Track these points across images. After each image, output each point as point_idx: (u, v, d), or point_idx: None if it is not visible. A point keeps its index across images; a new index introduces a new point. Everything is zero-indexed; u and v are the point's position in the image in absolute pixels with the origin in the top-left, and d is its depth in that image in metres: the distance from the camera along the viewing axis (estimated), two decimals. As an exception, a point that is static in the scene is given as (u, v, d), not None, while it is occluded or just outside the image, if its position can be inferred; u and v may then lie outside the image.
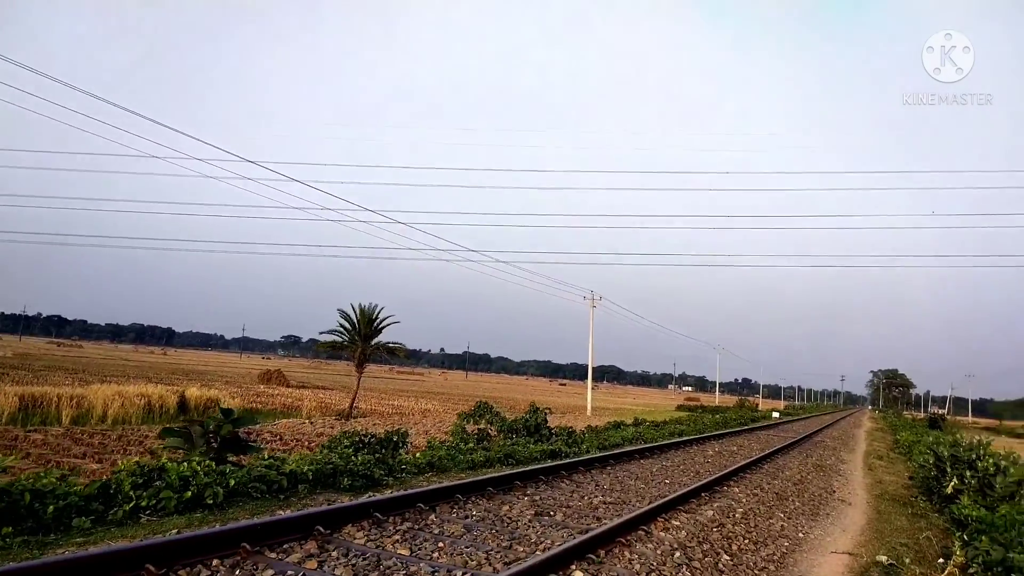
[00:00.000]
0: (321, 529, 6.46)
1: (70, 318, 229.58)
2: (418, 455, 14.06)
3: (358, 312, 37.42)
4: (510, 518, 8.12)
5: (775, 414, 60.09)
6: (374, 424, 33.95)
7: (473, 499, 8.98)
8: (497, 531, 7.38)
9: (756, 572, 7.44)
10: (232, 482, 8.73)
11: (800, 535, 10.05)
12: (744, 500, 11.31)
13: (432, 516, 7.80)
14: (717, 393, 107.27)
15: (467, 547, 6.61)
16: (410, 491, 8.62)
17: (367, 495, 9.49)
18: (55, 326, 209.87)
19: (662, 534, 7.97)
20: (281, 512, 7.74)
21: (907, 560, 9.05)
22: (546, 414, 24.80)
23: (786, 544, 9.25)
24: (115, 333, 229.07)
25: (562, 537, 7.40)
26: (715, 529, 8.81)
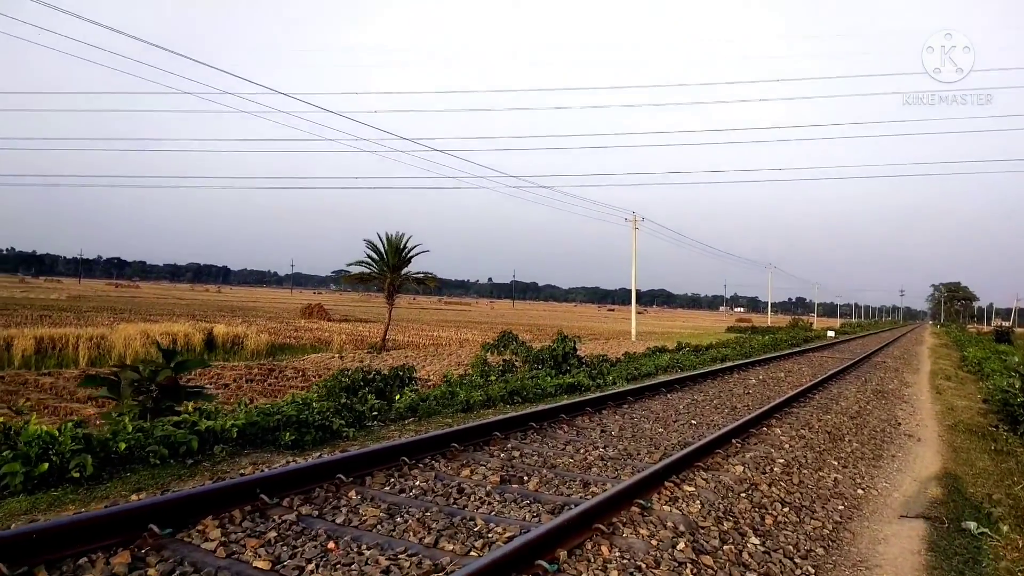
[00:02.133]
0: (155, 529, 4.44)
1: (129, 260, 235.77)
2: (402, 397, 12.10)
3: (385, 242, 35.58)
4: (463, 489, 6.02)
5: (830, 333, 56.92)
6: (406, 356, 32.44)
7: (426, 460, 6.90)
8: (432, 515, 5.28)
9: (797, 564, 5.22)
10: (122, 446, 6.83)
11: (859, 491, 7.75)
12: (787, 445, 9.01)
13: (352, 492, 5.73)
14: (769, 313, 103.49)
15: (368, 549, 4.52)
16: (337, 456, 6.56)
17: (302, 456, 7.52)
18: (116, 268, 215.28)
19: (666, 509, 5.77)
20: (132, 497, 5.75)
21: (1004, 527, 6.72)
22: (575, 342, 22.72)
23: (841, 508, 6.97)
24: (173, 273, 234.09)
25: (521, 520, 5.30)
26: (743, 495, 6.57)
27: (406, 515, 5.25)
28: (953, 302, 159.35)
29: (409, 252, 35.89)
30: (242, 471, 6.51)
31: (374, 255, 35.55)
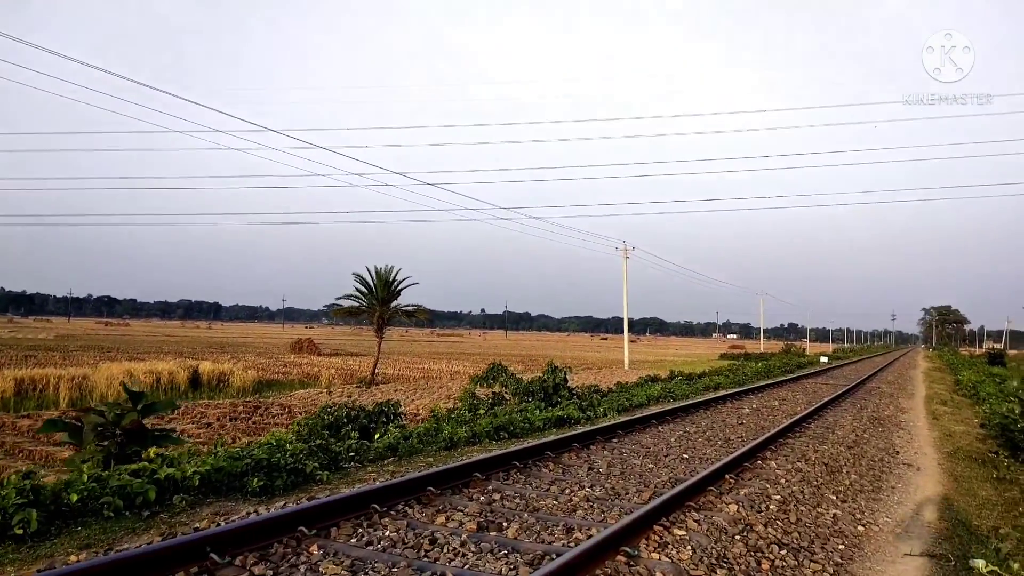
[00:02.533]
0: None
1: (120, 298, 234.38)
2: (385, 435, 11.64)
3: (374, 275, 35.23)
4: (435, 539, 5.56)
5: (823, 359, 56.57)
6: (395, 390, 31.88)
7: (399, 507, 6.45)
8: (399, 571, 4.83)
9: (796, 615, 4.79)
10: (74, 497, 6.36)
11: (860, 528, 7.32)
12: (783, 480, 8.58)
13: (314, 547, 5.27)
14: (762, 340, 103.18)
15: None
16: (302, 505, 6.11)
17: (270, 503, 7.06)
18: (105, 306, 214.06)
19: (654, 557, 5.33)
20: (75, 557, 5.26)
21: (1016, 565, 6.29)
22: (566, 373, 22.27)
23: (841, 548, 6.53)
24: (164, 310, 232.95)
25: (496, 575, 4.86)
26: (738, 537, 6.13)
27: (370, 572, 4.80)
28: (944, 325, 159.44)
29: (399, 285, 35.52)
30: (197, 525, 6.03)
31: (363, 288, 35.17)
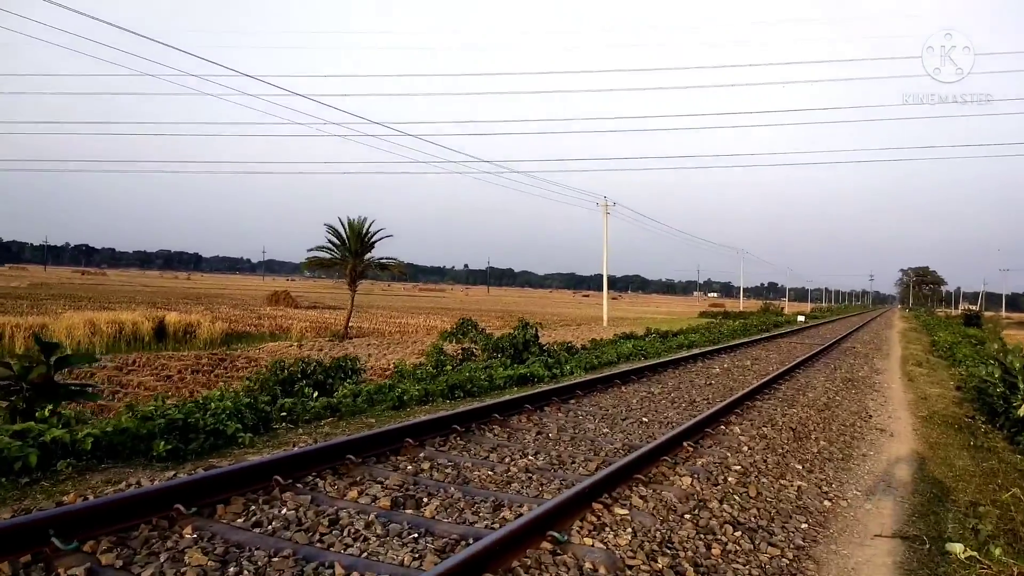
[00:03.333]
0: None
1: (98, 247, 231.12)
2: (339, 393, 10.87)
3: (347, 227, 34.14)
4: (338, 519, 4.77)
5: (800, 318, 56.33)
6: (368, 344, 31.14)
7: (309, 479, 5.65)
8: (279, 561, 4.05)
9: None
10: (-69, 464, 5.53)
11: (826, 503, 6.63)
12: (746, 447, 7.87)
13: (188, 528, 4.47)
14: (741, 298, 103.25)
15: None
16: (183, 479, 5.31)
17: (180, 469, 6.27)
18: (84, 255, 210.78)
19: (587, 543, 4.59)
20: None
21: (996, 551, 5.63)
22: (537, 329, 21.55)
23: (804, 527, 5.83)
24: (143, 260, 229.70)
25: (396, 567, 4.08)
26: (688, 516, 5.40)
27: (243, 563, 4.01)
28: (922, 286, 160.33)
29: (372, 237, 34.49)
30: (63, 499, 5.19)
31: (336, 240, 34.13)
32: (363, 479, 5.76)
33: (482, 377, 13.91)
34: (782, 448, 8.24)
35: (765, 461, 7.43)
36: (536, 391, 10.25)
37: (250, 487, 5.21)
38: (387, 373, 20.28)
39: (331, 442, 6.32)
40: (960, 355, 24.79)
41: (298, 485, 5.44)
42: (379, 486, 5.55)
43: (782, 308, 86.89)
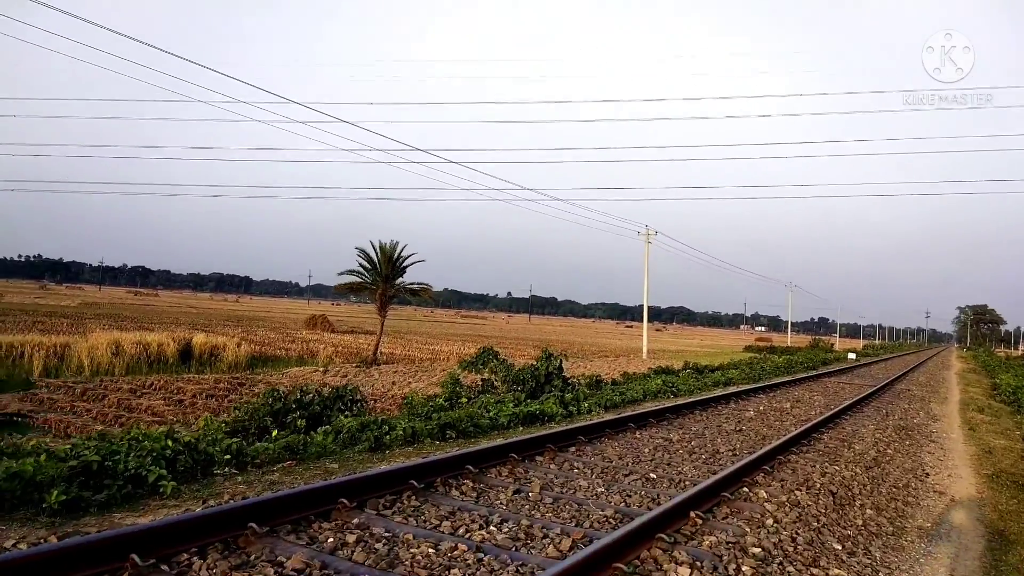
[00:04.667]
0: None
1: (154, 269, 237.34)
2: (335, 424, 9.65)
3: (378, 251, 33.32)
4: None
5: (851, 355, 53.50)
6: (395, 371, 30.06)
7: (184, 557, 4.36)
8: None
9: None
10: None
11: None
12: (772, 519, 6.32)
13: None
14: (789, 333, 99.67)
15: None
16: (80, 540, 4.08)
17: (72, 526, 5.05)
18: (140, 276, 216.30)
19: None
20: None
21: None
22: (561, 361, 20.11)
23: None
24: (196, 283, 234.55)
25: None
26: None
27: None
28: (980, 325, 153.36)
29: (403, 261, 33.63)
30: None
31: (366, 264, 33.32)
32: (257, 558, 4.42)
33: (486, 414, 12.59)
34: (818, 520, 6.65)
35: (794, 540, 5.87)
36: (533, 435, 8.81)
37: (93, 569, 3.94)
38: (399, 405, 19.14)
39: (234, 504, 5.01)
40: (1028, 401, 22.51)
41: (162, 568, 4.14)
42: (272, 570, 4.23)
43: (832, 344, 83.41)
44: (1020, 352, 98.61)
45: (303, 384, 24.99)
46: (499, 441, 8.56)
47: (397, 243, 33.48)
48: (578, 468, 7.72)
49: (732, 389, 19.12)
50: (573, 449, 8.62)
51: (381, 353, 36.87)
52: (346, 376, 27.83)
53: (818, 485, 7.94)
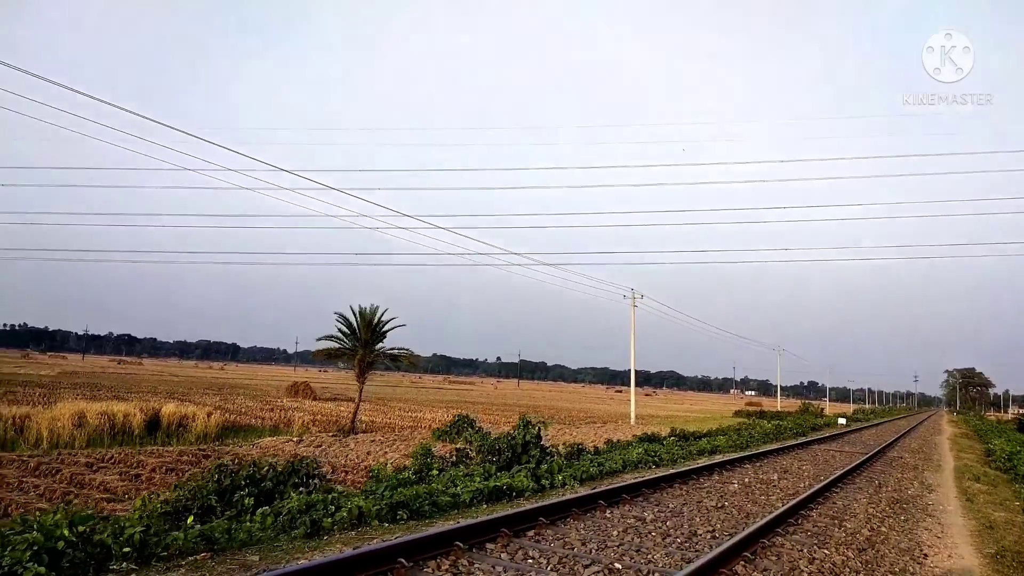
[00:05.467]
0: None
1: (140, 337, 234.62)
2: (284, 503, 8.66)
3: (357, 316, 32.49)
4: None
5: (841, 420, 52.37)
6: (373, 441, 28.81)
7: None
8: None
9: None
10: None
11: None
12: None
13: None
14: (779, 398, 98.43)
15: None
16: None
17: None
18: (125, 345, 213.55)
19: None
20: None
21: None
22: (540, 429, 19.09)
23: None
24: (183, 350, 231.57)
25: None
26: None
27: None
28: (968, 388, 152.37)
29: (384, 326, 32.75)
30: None
31: (345, 329, 32.44)
32: None
33: (451, 490, 11.60)
34: (805, 620, 5.71)
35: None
36: (489, 517, 7.84)
37: None
38: (340, 483, 18.24)
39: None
40: (1023, 468, 21.52)
41: None
42: None
43: (822, 409, 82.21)
44: (1010, 416, 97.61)
45: (268, 456, 23.83)
46: (450, 525, 7.60)
47: (377, 307, 32.73)
48: (533, 558, 6.75)
49: (718, 458, 18.12)
50: (532, 533, 7.65)
51: (360, 421, 35.63)
52: (320, 446, 26.65)
53: (806, 574, 6.99)
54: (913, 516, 12.07)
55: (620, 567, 6.60)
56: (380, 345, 33.18)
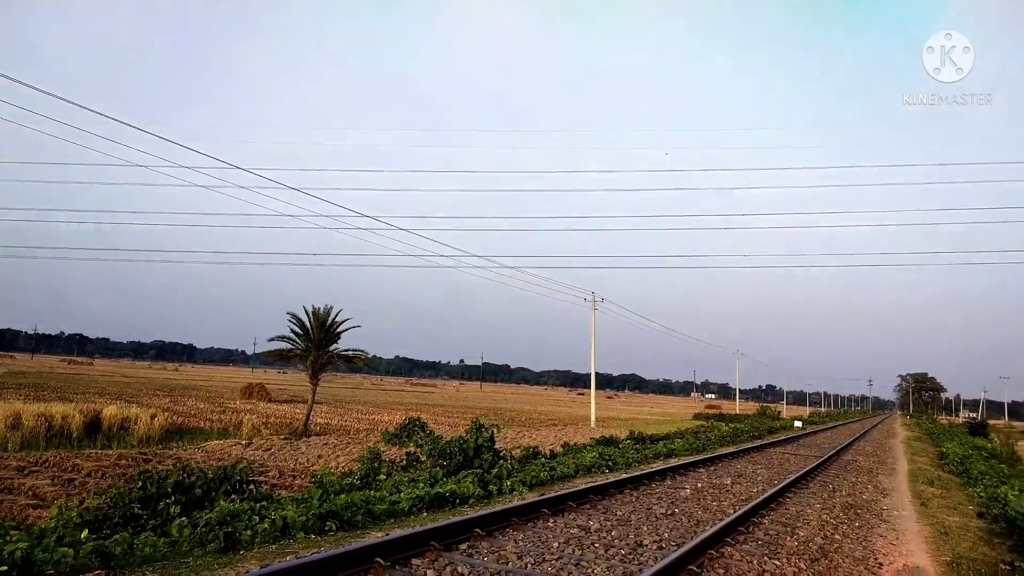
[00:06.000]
0: None
1: (92, 337, 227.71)
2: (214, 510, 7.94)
3: (311, 316, 31.58)
4: None
5: (797, 423, 52.78)
6: (325, 444, 27.94)
7: None
8: None
9: None
10: None
11: None
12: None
13: None
14: (737, 401, 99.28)
15: None
16: None
17: None
18: (77, 344, 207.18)
19: None
20: None
21: None
22: (493, 432, 18.56)
23: None
24: (136, 351, 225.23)
25: None
26: None
27: None
28: (921, 393, 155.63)
29: (338, 327, 31.89)
30: None
31: (298, 330, 31.49)
32: None
33: (394, 496, 11.01)
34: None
35: None
36: (419, 529, 7.24)
37: None
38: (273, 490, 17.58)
39: None
40: (975, 472, 21.58)
41: None
42: None
43: (779, 412, 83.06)
44: (962, 420, 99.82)
45: (214, 460, 22.88)
46: (377, 538, 7.00)
47: (331, 308, 31.87)
48: (466, 569, 6.18)
49: (673, 462, 17.75)
50: (465, 546, 7.07)
51: (315, 424, 34.70)
52: (270, 449, 25.75)
53: (754, 588, 6.54)
54: (868, 522, 11.77)
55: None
56: (334, 346, 32.31)
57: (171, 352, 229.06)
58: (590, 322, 50.37)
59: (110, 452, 23.03)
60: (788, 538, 9.04)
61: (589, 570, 6.60)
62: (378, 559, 5.95)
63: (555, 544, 7.48)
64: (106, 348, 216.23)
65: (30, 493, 16.58)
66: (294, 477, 19.74)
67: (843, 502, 13.15)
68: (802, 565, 7.73)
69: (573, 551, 7.24)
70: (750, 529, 9.23)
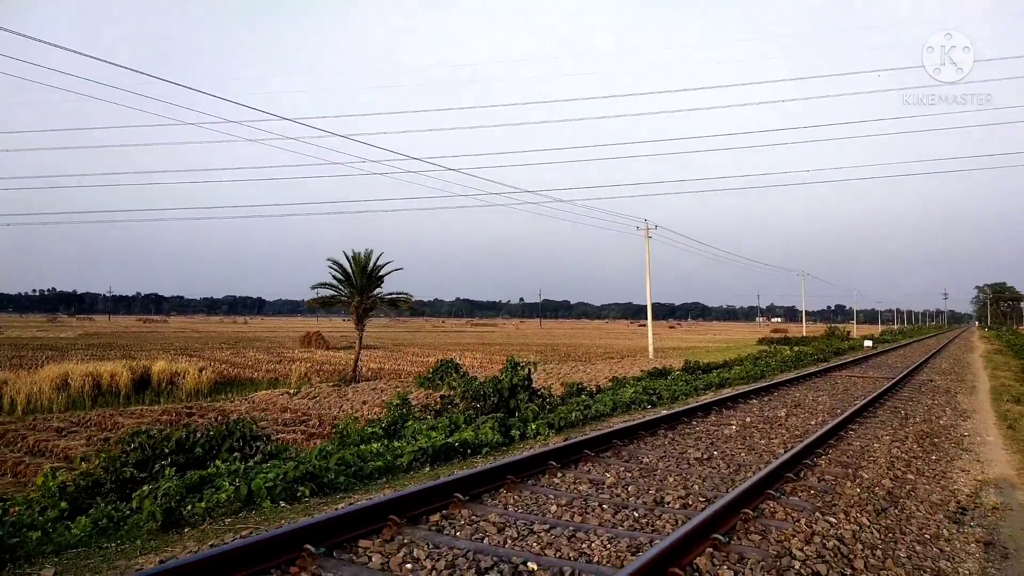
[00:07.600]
0: None
1: (167, 295, 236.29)
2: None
3: (351, 262, 30.71)
4: None
5: (867, 343, 49.94)
6: (373, 389, 27.41)
7: None
8: None
9: None
10: None
11: None
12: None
13: None
14: (803, 322, 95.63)
15: None
16: None
17: None
18: (153, 304, 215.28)
19: None
20: None
21: None
22: (529, 370, 17.26)
23: None
24: (210, 307, 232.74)
25: None
26: None
27: None
28: (999, 303, 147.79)
29: (379, 271, 30.95)
30: None
31: (340, 276, 30.70)
32: None
33: (408, 445, 9.83)
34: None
35: None
36: (376, 500, 5.97)
37: None
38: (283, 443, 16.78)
39: None
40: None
41: None
42: None
43: (848, 332, 79.56)
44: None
45: (258, 410, 22.36)
46: (338, 509, 5.76)
47: (372, 252, 30.87)
48: (424, 551, 4.86)
49: (725, 392, 16.16)
50: (435, 517, 5.72)
51: (367, 368, 34.28)
52: (316, 397, 25.29)
53: (800, 556, 5.03)
54: (947, 454, 10.02)
55: (534, 567, 4.68)
56: (377, 290, 31.46)
57: (242, 306, 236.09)
58: (646, 252, 48.28)
59: (155, 408, 22.82)
60: (848, 483, 7.44)
61: (586, 542, 5.19)
62: (308, 545, 4.65)
63: (552, 508, 6.09)
64: (181, 306, 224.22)
65: (62, 455, 16.24)
66: (334, 426, 19.00)
67: (917, 431, 11.38)
68: (865, 520, 6.16)
69: (572, 517, 5.84)
70: (801, 474, 7.66)
